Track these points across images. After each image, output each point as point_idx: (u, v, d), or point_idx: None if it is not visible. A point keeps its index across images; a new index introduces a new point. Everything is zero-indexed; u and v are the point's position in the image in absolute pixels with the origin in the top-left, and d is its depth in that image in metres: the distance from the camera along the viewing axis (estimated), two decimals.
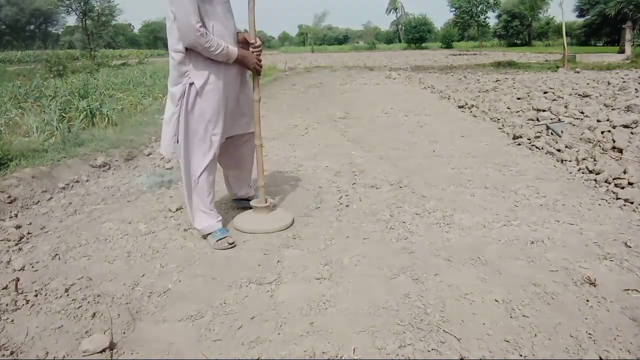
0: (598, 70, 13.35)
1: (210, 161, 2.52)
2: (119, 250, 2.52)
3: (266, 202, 2.82)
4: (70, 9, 26.29)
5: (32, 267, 2.33)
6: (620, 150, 3.93)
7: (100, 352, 1.64)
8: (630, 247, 2.32)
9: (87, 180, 3.85)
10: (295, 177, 3.81)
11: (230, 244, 2.50)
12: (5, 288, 2.08)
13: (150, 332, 1.78)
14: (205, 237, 2.60)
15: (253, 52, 2.57)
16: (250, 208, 2.89)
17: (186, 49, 2.34)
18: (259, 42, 2.61)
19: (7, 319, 1.87)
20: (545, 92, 7.84)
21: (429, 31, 59.53)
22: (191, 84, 2.40)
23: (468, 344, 1.64)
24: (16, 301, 1.98)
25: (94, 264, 2.35)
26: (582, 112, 5.71)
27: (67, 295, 2.04)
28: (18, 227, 2.80)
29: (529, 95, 7.69)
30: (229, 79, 2.50)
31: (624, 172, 3.27)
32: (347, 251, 2.42)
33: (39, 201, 3.34)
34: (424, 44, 57.26)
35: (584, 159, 3.80)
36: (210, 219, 2.58)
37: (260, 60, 2.62)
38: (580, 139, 4.54)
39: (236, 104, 2.67)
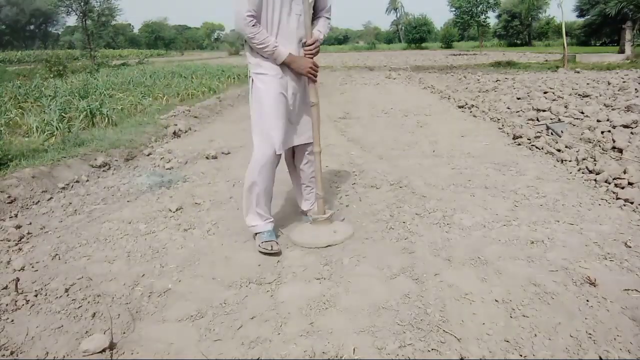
0: (598, 70, 13.35)
1: (269, 160, 2.38)
2: (119, 250, 2.52)
3: (325, 214, 2.61)
4: (70, 9, 26.27)
5: (32, 267, 2.33)
6: (620, 150, 3.93)
7: (100, 352, 1.64)
8: (630, 247, 2.32)
9: (87, 180, 3.85)
10: None
11: (275, 250, 2.37)
12: (5, 288, 2.08)
13: (150, 332, 1.78)
14: (253, 236, 2.54)
15: (306, 55, 2.41)
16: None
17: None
18: (311, 41, 2.40)
19: (7, 319, 1.87)
20: (545, 92, 7.83)
21: (429, 31, 59.51)
22: (253, 77, 2.38)
23: (468, 344, 1.64)
24: (16, 301, 1.98)
25: (94, 264, 2.35)
26: (582, 112, 5.71)
27: (67, 295, 2.04)
28: (18, 227, 2.80)
29: (529, 95, 7.69)
30: (289, 79, 2.41)
31: (624, 172, 3.27)
32: (347, 251, 2.42)
33: (39, 201, 3.34)
34: (424, 44, 57.24)
35: (584, 159, 3.80)
36: (260, 219, 2.48)
37: (315, 66, 2.42)
38: (580, 139, 4.54)
39: (300, 109, 2.53)
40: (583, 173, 3.58)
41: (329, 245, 2.47)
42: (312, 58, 2.43)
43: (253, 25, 2.23)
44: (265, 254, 2.39)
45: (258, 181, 2.41)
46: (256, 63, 2.38)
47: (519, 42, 49.66)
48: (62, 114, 5.72)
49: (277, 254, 2.39)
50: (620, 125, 4.77)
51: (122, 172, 4.13)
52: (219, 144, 5.15)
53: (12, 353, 1.67)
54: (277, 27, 2.33)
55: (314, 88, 2.46)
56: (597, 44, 36.69)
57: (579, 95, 7.44)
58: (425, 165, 4.07)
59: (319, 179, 2.60)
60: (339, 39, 78.90)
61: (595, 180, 3.36)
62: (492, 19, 49.96)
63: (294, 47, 2.39)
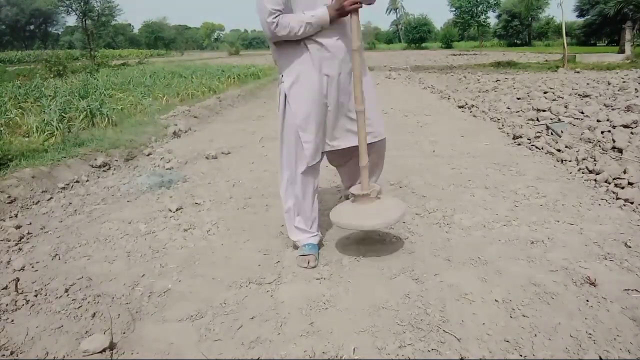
0: (598, 70, 13.35)
1: (304, 172, 2.23)
2: (119, 250, 2.52)
3: (369, 190, 2.22)
4: (70, 9, 26.31)
5: (32, 267, 2.33)
6: (620, 150, 3.93)
7: (100, 352, 1.64)
8: (630, 247, 2.31)
9: (87, 180, 3.85)
10: None
11: (311, 266, 2.22)
12: (5, 288, 2.08)
13: (150, 332, 1.78)
14: (297, 248, 2.39)
15: None
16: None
17: (275, 44, 2.13)
18: None
19: (7, 319, 1.87)
20: (545, 92, 7.84)
21: (429, 31, 59.62)
22: (283, 83, 2.17)
23: (468, 344, 1.64)
24: (16, 301, 1.98)
25: (94, 264, 2.35)
26: (582, 112, 5.71)
27: (67, 295, 2.04)
28: (18, 227, 2.80)
29: (529, 95, 7.69)
30: (325, 81, 2.15)
31: (624, 172, 3.27)
32: (347, 251, 2.42)
33: (39, 201, 3.34)
34: (424, 44, 57.28)
35: (584, 159, 3.80)
36: (302, 233, 2.34)
37: None
38: (580, 139, 4.54)
39: (340, 111, 2.26)
40: (583, 173, 3.58)
41: (372, 229, 2.20)
42: None
43: (277, 25, 1.99)
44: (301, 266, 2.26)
45: (296, 197, 2.28)
46: (287, 65, 2.15)
47: (519, 42, 49.72)
48: (62, 114, 5.71)
49: (315, 266, 2.24)
50: (620, 125, 4.77)
51: (122, 172, 4.13)
52: (219, 144, 5.15)
53: (12, 353, 1.67)
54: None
55: (357, 30, 2.08)
56: (598, 44, 36.70)
57: (579, 95, 7.44)
58: (425, 165, 4.07)
59: (364, 145, 2.18)
60: None
61: (595, 180, 3.36)
62: (492, 19, 50.06)
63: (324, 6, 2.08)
